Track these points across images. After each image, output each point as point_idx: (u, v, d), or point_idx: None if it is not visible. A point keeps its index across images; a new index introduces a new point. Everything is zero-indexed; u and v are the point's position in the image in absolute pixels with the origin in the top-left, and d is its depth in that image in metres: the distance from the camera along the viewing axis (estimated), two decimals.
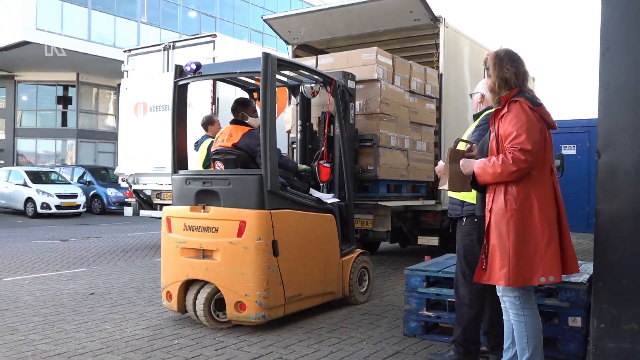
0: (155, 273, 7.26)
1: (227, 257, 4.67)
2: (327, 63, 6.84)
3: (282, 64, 5.19)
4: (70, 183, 20.54)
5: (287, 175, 5.31)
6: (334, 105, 5.82)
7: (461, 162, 3.46)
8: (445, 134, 7.82)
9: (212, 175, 5.06)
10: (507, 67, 3.27)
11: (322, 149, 5.96)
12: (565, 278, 3.77)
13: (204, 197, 4.92)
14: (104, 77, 28.46)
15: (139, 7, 26.68)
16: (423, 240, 7.95)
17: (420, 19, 7.61)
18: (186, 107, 5.57)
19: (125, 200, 11.55)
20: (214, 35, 10.08)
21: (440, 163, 3.82)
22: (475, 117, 4.07)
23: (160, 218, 5.78)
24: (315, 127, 6.47)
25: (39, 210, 18.51)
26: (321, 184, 5.94)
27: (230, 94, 8.50)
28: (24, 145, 29.72)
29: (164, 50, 10.56)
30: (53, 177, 20.42)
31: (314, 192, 5.51)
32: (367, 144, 6.49)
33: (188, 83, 5.46)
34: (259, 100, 5.06)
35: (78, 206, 19.12)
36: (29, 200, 18.84)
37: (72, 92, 29.45)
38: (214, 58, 9.48)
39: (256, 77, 5.61)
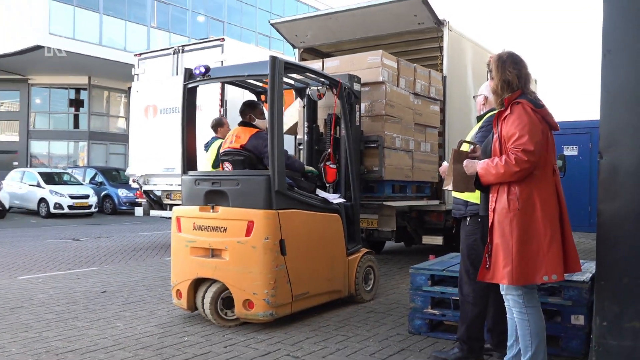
0: (166, 272, 7.28)
1: (235, 256, 4.68)
2: (333, 66, 6.84)
3: (289, 67, 5.19)
4: (82, 184, 20.61)
5: (294, 175, 5.31)
6: (339, 107, 5.82)
7: (465, 162, 3.46)
8: (449, 136, 7.80)
9: (220, 176, 5.07)
10: (510, 69, 3.27)
11: (329, 150, 5.96)
12: (568, 277, 3.76)
13: (213, 198, 4.93)
14: (115, 80, 28.54)
15: (149, 12, 26.76)
16: (427, 240, 7.94)
17: (425, 22, 7.61)
18: (195, 110, 5.58)
19: (136, 200, 11.59)
20: (222, 39, 10.10)
21: (445, 164, 3.82)
22: (479, 118, 4.06)
23: (170, 218, 5.80)
24: (321, 129, 6.47)
25: (52, 210, 18.59)
26: (327, 185, 5.94)
27: (238, 96, 8.52)
28: (38, 147, 29.85)
29: (174, 54, 10.58)
30: (65, 178, 20.50)
31: (321, 193, 5.51)
32: (373, 145, 6.49)
33: (197, 86, 5.47)
34: (266, 102, 5.07)
35: (90, 206, 19.19)
36: (42, 200, 18.92)
37: (84, 95, 29.56)
38: (222, 61, 9.49)
39: (264, 79, 5.62)
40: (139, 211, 11.05)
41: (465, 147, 3.70)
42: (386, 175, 6.47)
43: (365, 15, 7.75)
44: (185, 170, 5.35)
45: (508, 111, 3.23)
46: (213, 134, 7.24)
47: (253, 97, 6.23)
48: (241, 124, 5.42)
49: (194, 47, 10.63)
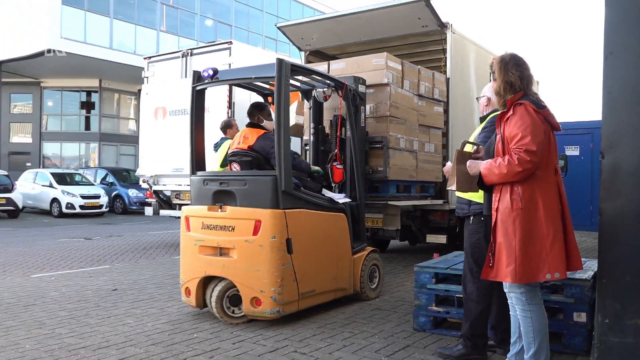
0: (175, 270, 7.30)
1: (243, 255, 4.69)
2: (338, 68, 6.84)
3: (296, 69, 5.19)
4: (93, 184, 20.69)
5: (301, 176, 5.31)
6: (345, 109, 5.82)
7: (468, 163, 3.45)
8: (452, 136, 7.79)
9: (228, 176, 5.07)
10: (512, 71, 3.26)
11: (335, 151, 5.96)
12: (570, 275, 3.75)
13: (221, 197, 4.94)
14: (125, 83, 28.63)
15: (158, 16, 26.84)
16: (431, 239, 7.93)
17: (428, 25, 7.59)
18: (204, 111, 5.58)
19: (146, 200, 11.63)
20: (230, 42, 10.11)
21: (448, 164, 3.81)
22: (482, 119, 4.05)
23: (179, 217, 5.82)
24: (327, 130, 6.47)
25: (64, 210, 18.66)
26: (333, 185, 5.94)
27: (245, 98, 8.53)
28: (50, 148, 29.98)
29: (182, 57, 10.60)
30: (77, 178, 20.57)
31: (327, 192, 5.51)
32: (378, 145, 6.49)
33: (205, 88, 5.48)
34: (273, 104, 5.07)
35: (101, 206, 19.26)
36: (55, 200, 18.99)
37: (95, 97, 29.66)
38: (230, 64, 9.51)
39: (271, 82, 5.62)
40: (149, 211, 11.08)
41: (469, 148, 3.69)
42: (391, 175, 6.47)
43: (370, 18, 7.75)
44: (194, 171, 5.36)
45: (511, 112, 3.23)
46: (222, 135, 7.25)
47: (260, 99, 6.24)
48: (249, 125, 5.43)
49: (202, 50, 10.66)
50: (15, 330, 4.61)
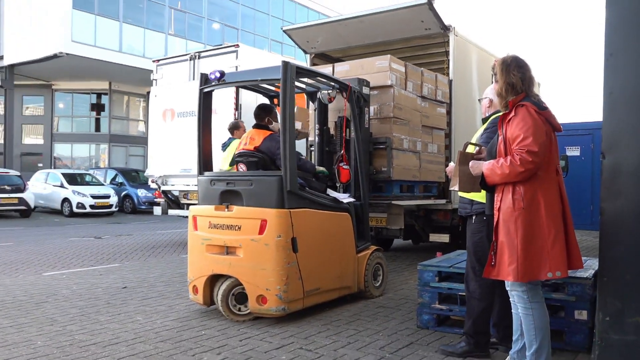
0: (183, 268, 7.31)
1: (249, 254, 4.69)
2: (343, 70, 6.83)
3: (301, 72, 5.19)
4: (103, 184, 20.75)
5: (306, 176, 5.31)
6: (349, 110, 5.81)
7: (470, 163, 3.45)
8: (455, 137, 7.77)
9: (235, 177, 5.08)
10: (514, 72, 3.25)
11: (342, 152, 5.95)
12: (571, 273, 3.74)
13: (227, 197, 4.94)
14: (134, 85, 28.71)
15: (167, 20, 26.89)
16: (434, 238, 7.91)
17: (431, 28, 7.58)
18: (211, 113, 5.59)
19: (155, 200, 11.67)
20: (237, 45, 10.13)
21: (451, 165, 3.80)
22: (484, 120, 4.04)
23: (187, 217, 5.82)
24: (332, 131, 6.47)
25: (75, 209, 18.72)
26: (338, 185, 5.93)
27: (252, 100, 8.54)
28: (61, 149, 30.08)
29: (190, 59, 10.63)
30: (87, 179, 20.63)
31: (331, 192, 5.51)
32: (381, 146, 6.47)
33: (213, 90, 5.49)
34: (279, 105, 5.07)
35: (111, 206, 19.31)
36: (66, 200, 19.06)
37: (104, 99, 29.75)
38: (236, 67, 9.52)
39: (276, 84, 5.63)
40: (157, 210, 11.11)
41: (471, 149, 3.69)
42: (394, 175, 6.46)
43: (374, 21, 7.74)
44: (201, 171, 5.36)
45: (512, 113, 3.22)
46: (229, 136, 7.27)
47: (266, 101, 6.24)
48: (255, 126, 5.43)
49: (210, 53, 10.68)
50: (27, 327, 4.63)
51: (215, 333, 4.44)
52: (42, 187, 19.94)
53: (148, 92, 12.29)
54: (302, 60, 9.34)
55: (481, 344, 3.81)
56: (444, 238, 7.77)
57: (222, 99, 8.99)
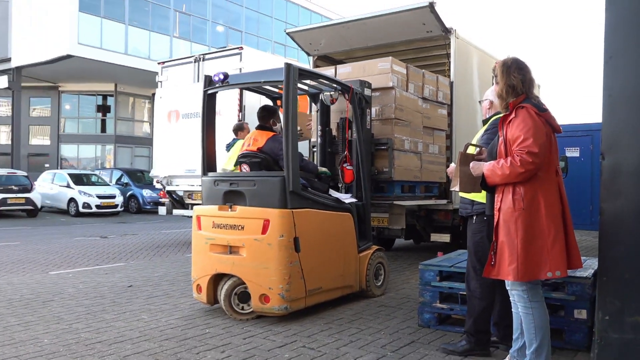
0: (188, 267, 7.31)
1: (252, 253, 4.69)
2: (345, 72, 6.83)
3: (303, 74, 5.19)
4: (109, 185, 20.77)
5: (308, 177, 5.31)
6: (351, 112, 5.81)
7: (471, 164, 3.44)
8: (456, 138, 7.76)
9: (238, 177, 5.08)
10: (515, 74, 3.24)
11: (346, 152, 5.94)
12: (571, 273, 3.73)
13: (231, 197, 4.94)
14: (139, 87, 28.77)
15: (172, 23, 26.94)
16: (435, 237, 7.90)
17: (433, 30, 7.57)
18: (215, 114, 5.59)
19: (160, 200, 11.67)
20: (241, 47, 10.14)
21: (452, 165, 3.79)
22: (484, 122, 4.03)
23: (191, 217, 5.82)
24: (334, 132, 6.46)
25: (81, 209, 18.75)
26: (340, 185, 5.93)
27: (256, 101, 8.54)
28: (67, 150, 30.16)
29: (195, 62, 10.64)
30: (93, 179, 20.67)
31: (333, 193, 5.50)
32: (383, 147, 6.47)
33: (217, 92, 5.49)
34: (282, 107, 5.07)
35: (116, 206, 19.33)
36: (72, 200, 19.09)
37: (110, 101, 29.83)
38: (240, 69, 9.52)
39: (279, 85, 5.63)
40: (162, 210, 11.12)
41: (472, 150, 3.68)
42: (396, 176, 6.45)
43: (376, 24, 7.74)
44: (205, 172, 5.36)
45: (513, 115, 3.21)
46: (233, 137, 7.27)
47: (270, 103, 6.24)
48: (258, 127, 5.43)
49: (214, 55, 10.69)
50: (34, 325, 4.64)
51: (220, 331, 4.44)
52: (49, 187, 19.97)
53: (153, 94, 12.29)
54: (305, 63, 9.34)
55: (482, 343, 3.81)
56: (445, 238, 7.76)
57: (226, 100, 8.99)
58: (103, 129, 30.09)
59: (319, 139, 6.39)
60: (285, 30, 8.80)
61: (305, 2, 34.36)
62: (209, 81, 5.37)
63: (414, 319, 4.77)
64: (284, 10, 32.71)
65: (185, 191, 10.45)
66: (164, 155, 10.67)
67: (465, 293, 4.00)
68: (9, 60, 25.41)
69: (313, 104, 6.48)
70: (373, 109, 6.38)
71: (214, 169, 5.47)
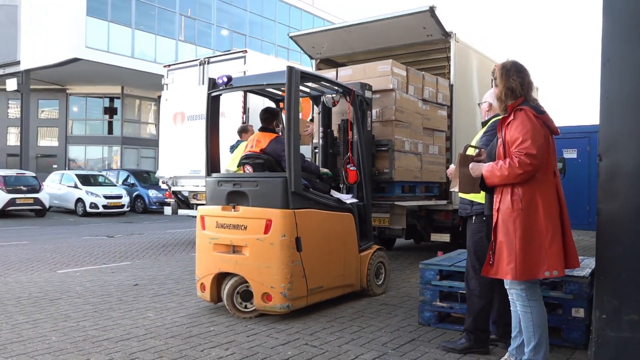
0: (193, 266, 7.30)
1: (254, 252, 4.68)
2: (346, 75, 6.83)
3: (305, 76, 5.18)
4: (115, 185, 20.81)
5: (310, 177, 5.30)
6: (352, 114, 5.80)
7: (470, 166, 3.43)
8: (456, 139, 7.74)
9: (241, 178, 5.07)
10: (513, 77, 3.24)
11: (349, 153, 5.93)
12: (569, 272, 3.72)
13: (234, 198, 4.93)
14: (146, 89, 28.82)
15: (177, 27, 26.98)
16: (436, 237, 7.89)
17: (433, 34, 7.56)
18: (219, 116, 5.59)
19: (165, 200, 11.68)
20: (245, 51, 10.14)
21: (452, 166, 3.79)
22: (484, 124, 4.02)
23: (196, 217, 5.83)
24: (335, 134, 6.46)
25: (88, 209, 18.78)
26: (341, 186, 5.92)
27: (259, 104, 8.54)
28: (75, 151, 30.23)
29: (200, 65, 10.65)
30: (100, 179, 20.70)
31: (335, 193, 5.49)
32: (384, 148, 6.46)
33: (221, 94, 5.49)
34: (284, 109, 5.07)
35: (123, 206, 19.36)
36: (79, 200, 19.12)
37: (117, 103, 29.90)
38: (244, 72, 9.53)
39: (282, 88, 5.62)
40: (168, 210, 11.13)
41: (471, 151, 3.67)
42: (396, 176, 6.44)
43: (377, 28, 7.73)
44: (209, 173, 5.36)
45: (511, 117, 3.21)
46: (237, 138, 7.27)
47: (273, 105, 6.24)
48: (261, 129, 5.43)
49: (219, 58, 10.69)
50: (42, 322, 4.64)
51: (224, 329, 4.44)
52: (57, 187, 20.01)
53: (159, 96, 12.35)
54: (308, 66, 9.34)
55: (481, 341, 3.80)
56: (445, 238, 7.74)
57: (231, 102, 9.00)
58: (110, 131, 30.15)
59: (320, 141, 6.39)
60: (288, 34, 8.80)
61: (308, 6, 34.40)
62: (213, 84, 5.37)
63: (414, 317, 4.76)
64: (287, 15, 32.73)
65: (190, 191, 10.47)
66: (169, 156, 10.69)
67: (464, 292, 3.99)
68: (18, 63, 25.49)
69: (315, 106, 6.48)
70: (374, 111, 6.37)
71: (217, 170, 5.47)
